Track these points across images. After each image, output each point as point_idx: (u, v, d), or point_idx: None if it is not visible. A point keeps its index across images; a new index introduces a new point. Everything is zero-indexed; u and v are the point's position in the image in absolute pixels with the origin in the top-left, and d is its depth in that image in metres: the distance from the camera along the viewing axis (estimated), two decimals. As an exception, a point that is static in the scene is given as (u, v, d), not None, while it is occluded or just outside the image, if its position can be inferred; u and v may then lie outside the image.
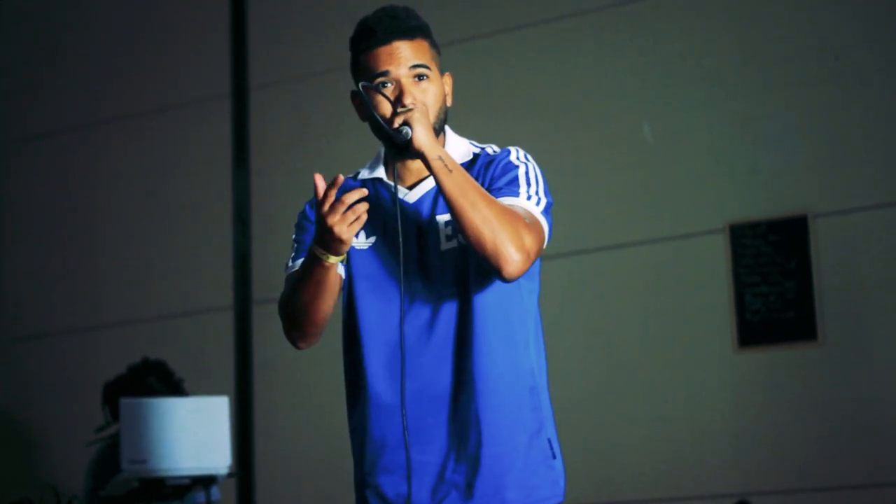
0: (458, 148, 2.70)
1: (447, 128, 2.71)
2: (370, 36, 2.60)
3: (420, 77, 2.59)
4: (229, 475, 5.44)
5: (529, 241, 2.47)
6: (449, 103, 2.68)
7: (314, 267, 2.49)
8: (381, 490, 2.63)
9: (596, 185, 6.34)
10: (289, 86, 7.06)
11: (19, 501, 5.15)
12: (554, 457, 2.71)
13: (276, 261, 6.95)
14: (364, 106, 2.59)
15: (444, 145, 2.67)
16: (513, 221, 2.46)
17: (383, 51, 2.58)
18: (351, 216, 2.39)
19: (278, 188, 6.97)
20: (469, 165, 2.67)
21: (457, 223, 2.47)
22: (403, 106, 2.53)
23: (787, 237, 5.89)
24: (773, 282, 5.88)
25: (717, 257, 6.01)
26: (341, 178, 2.41)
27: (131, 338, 7.29)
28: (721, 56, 6.15)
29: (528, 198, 2.57)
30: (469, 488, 2.59)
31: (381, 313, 2.62)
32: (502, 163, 2.63)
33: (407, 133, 2.48)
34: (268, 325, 6.99)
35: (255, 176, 7.07)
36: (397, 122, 2.52)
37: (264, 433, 7.00)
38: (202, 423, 5.33)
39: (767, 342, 5.87)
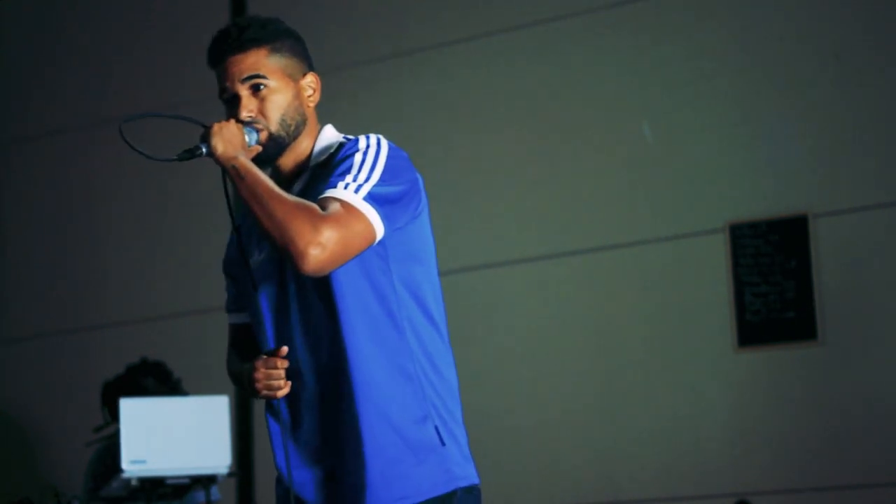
0: (327, 141, 2.75)
1: (329, 126, 2.77)
2: (209, 57, 2.72)
3: (256, 87, 2.67)
4: (229, 475, 5.44)
5: (327, 234, 2.48)
6: (311, 103, 2.74)
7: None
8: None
9: (596, 184, 6.34)
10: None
11: (19, 501, 5.15)
12: (443, 443, 2.67)
13: (276, 261, 6.96)
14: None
15: (313, 148, 2.73)
16: (303, 217, 2.49)
17: (219, 71, 2.70)
18: (268, 391, 2.60)
19: (278, 188, 6.97)
20: (332, 156, 2.70)
21: (254, 223, 2.56)
22: (240, 120, 2.63)
23: (787, 237, 5.89)
24: (773, 282, 5.88)
25: (717, 257, 6.01)
26: (285, 349, 2.59)
27: (131, 338, 7.29)
28: (721, 56, 6.15)
29: (346, 186, 2.56)
30: (361, 488, 2.62)
31: (266, 317, 2.72)
32: (347, 153, 2.65)
33: (200, 150, 2.58)
34: (268, 325, 6.99)
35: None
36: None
37: (264, 433, 6.98)
38: (202, 423, 5.33)
39: (767, 342, 5.87)
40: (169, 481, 5.31)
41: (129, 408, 5.29)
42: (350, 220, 2.53)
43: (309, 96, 2.74)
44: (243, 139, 2.61)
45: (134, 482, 5.29)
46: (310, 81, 2.74)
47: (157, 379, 5.86)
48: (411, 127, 6.70)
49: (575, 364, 6.26)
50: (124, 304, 7.52)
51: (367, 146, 2.64)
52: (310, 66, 2.77)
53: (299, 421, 2.68)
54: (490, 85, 6.63)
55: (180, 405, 5.44)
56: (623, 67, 6.35)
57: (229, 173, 2.57)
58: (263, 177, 2.56)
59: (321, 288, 2.62)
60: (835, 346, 5.77)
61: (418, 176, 2.70)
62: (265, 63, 2.68)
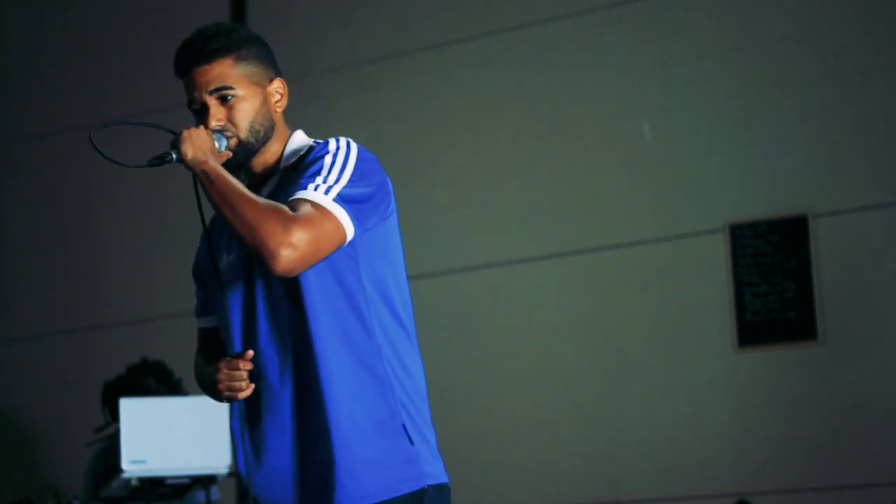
0: (296, 145, 2.79)
1: (299, 131, 2.81)
2: (175, 67, 2.76)
3: (224, 98, 2.71)
4: (229, 475, 5.44)
5: (298, 235, 2.50)
6: (279, 108, 2.79)
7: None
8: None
9: (596, 184, 6.34)
10: (288, 85, 7.05)
11: (19, 501, 5.15)
12: (412, 442, 2.66)
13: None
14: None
15: (283, 152, 2.77)
16: (274, 219, 2.51)
17: (186, 81, 2.74)
18: (230, 392, 2.63)
19: (278, 188, 6.97)
20: (301, 159, 2.73)
21: (225, 226, 2.61)
22: (208, 128, 2.68)
23: (787, 237, 5.89)
24: (773, 282, 5.88)
25: (717, 257, 6.01)
26: (251, 353, 2.62)
27: (131, 338, 7.29)
28: (721, 56, 6.15)
29: (317, 187, 2.59)
30: (329, 486, 2.63)
31: (233, 319, 2.74)
32: (317, 155, 2.68)
33: (170, 156, 2.63)
34: (268, 325, 6.99)
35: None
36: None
37: (264, 433, 6.98)
38: (202, 423, 5.33)
39: (767, 342, 5.87)
40: (169, 481, 5.31)
41: (129, 408, 5.29)
42: (321, 220, 2.55)
43: (276, 102, 2.79)
44: (213, 144, 2.65)
45: (134, 482, 5.29)
46: (277, 87, 2.79)
47: (157, 379, 5.86)
48: (411, 127, 6.71)
49: (575, 364, 6.26)
50: (124, 304, 7.52)
51: (337, 148, 2.67)
52: (276, 72, 2.81)
53: (262, 422, 2.69)
54: (490, 85, 6.63)
55: (180, 405, 5.44)
56: (623, 67, 6.35)
57: (199, 178, 2.61)
58: (233, 180, 2.59)
59: (289, 287, 2.65)
60: (835, 346, 5.77)
61: (388, 178, 2.73)
62: (231, 73, 2.72)
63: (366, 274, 2.69)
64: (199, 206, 2.69)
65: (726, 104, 6.11)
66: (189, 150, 2.62)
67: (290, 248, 2.50)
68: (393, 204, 2.73)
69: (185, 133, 2.63)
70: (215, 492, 5.45)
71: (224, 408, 5.33)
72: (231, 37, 2.74)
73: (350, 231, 2.59)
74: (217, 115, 2.70)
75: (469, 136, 6.67)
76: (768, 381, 5.89)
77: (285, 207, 2.55)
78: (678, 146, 6.20)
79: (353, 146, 2.69)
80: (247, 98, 2.73)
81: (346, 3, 7.12)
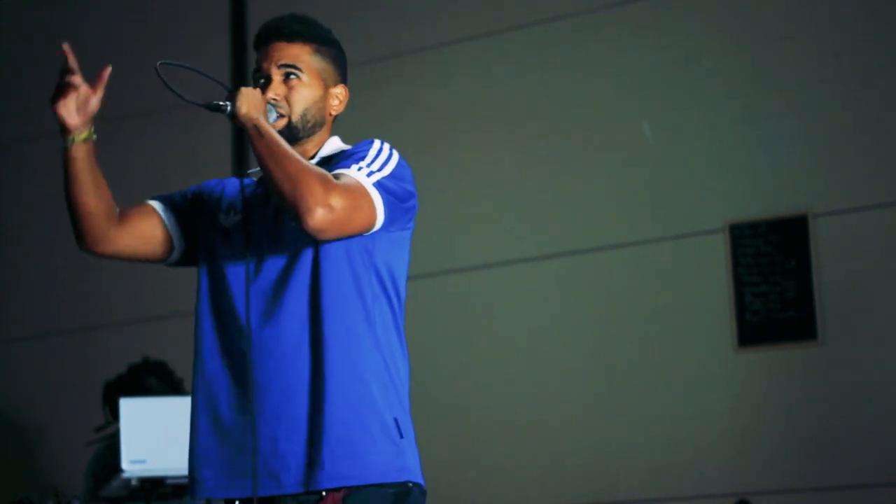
0: (332, 147, 2.85)
1: (336, 137, 2.87)
2: (257, 37, 2.85)
3: (288, 76, 2.79)
4: (229, 475, 5.43)
5: (336, 200, 2.55)
6: (333, 112, 2.85)
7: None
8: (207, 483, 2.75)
9: (596, 184, 6.34)
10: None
11: (19, 501, 5.15)
12: (401, 436, 2.70)
13: (276, 261, 6.95)
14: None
15: (318, 151, 2.83)
16: (316, 178, 2.56)
17: (262, 51, 2.83)
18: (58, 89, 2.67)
19: (278, 188, 6.96)
20: (334, 157, 2.80)
21: (266, 181, 2.63)
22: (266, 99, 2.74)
23: (787, 237, 5.89)
24: (773, 282, 5.88)
25: (717, 257, 6.01)
26: (66, 47, 2.71)
27: (131, 338, 7.28)
28: (721, 56, 6.15)
29: (360, 169, 2.67)
30: (312, 465, 2.64)
31: (230, 277, 2.77)
32: (358, 148, 2.75)
33: (225, 107, 2.67)
34: (268, 325, 6.99)
35: (255, 176, 7.07)
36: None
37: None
38: (202, 423, 5.32)
39: (767, 342, 5.87)
40: (169, 481, 5.31)
41: (129, 408, 5.30)
42: (359, 196, 2.62)
43: (334, 105, 2.86)
44: (265, 107, 2.70)
45: (134, 482, 5.29)
46: (339, 92, 2.87)
47: (159, 378, 5.86)
48: (411, 127, 6.70)
49: (574, 364, 6.25)
50: (124, 304, 7.52)
51: (382, 146, 2.75)
52: (343, 80, 2.88)
53: (240, 404, 2.70)
54: (490, 85, 6.63)
55: (180, 405, 5.41)
56: (623, 67, 6.34)
57: (248, 132, 2.64)
58: (281, 139, 2.64)
59: (304, 263, 2.69)
60: (835, 346, 5.77)
61: (416, 197, 2.81)
62: (304, 59, 2.81)
63: (375, 271, 2.73)
64: (238, 156, 2.75)
65: (726, 104, 6.11)
66: (244, 106, 2.65)
67: (328, 208, 2.54)
68: (413, 220, 2.82)
69: (244, 90, 2.68)
70: (215, 492, 5.44)
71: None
72: (316, 30, 2.86)
73: (380, 219, 2.66)
74: (277, 90, 2.77)
75: (468, 136, 6.67)
76: (768, 381, 5.89)
77: (329, 174, 2.61)
78: (678, 146, 6.20)
79: (395, 151, 2.76)
80: (309, 86, 2.80)
81: (346, 3, 7.11)
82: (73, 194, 2.88)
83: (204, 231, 2.86)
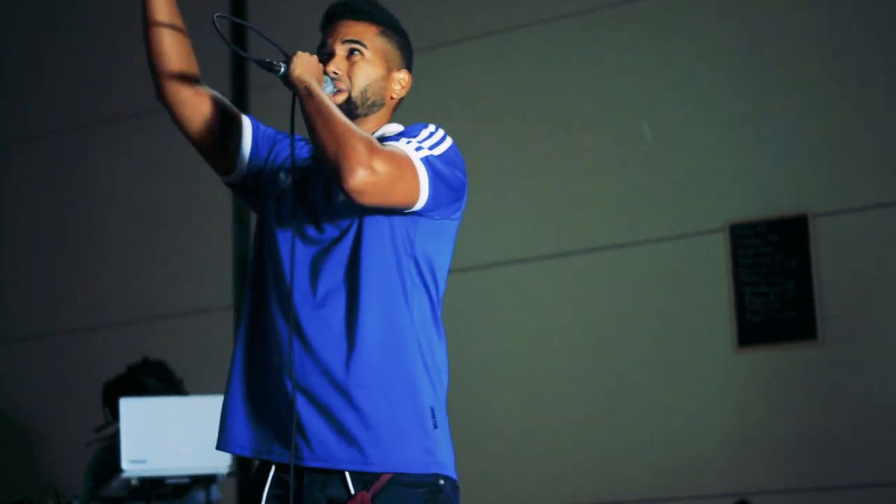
0: (388, 130, 2.81)
1: (395, 123, 2.84)
2: (324, 17, 2.83)
3: (351, 52, 2.77)
4: (229, 475, 5.44)
5: (380, 164, 2.52)
6: (394, 96, 2.82)
7: None
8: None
9: (596, 184, 6.34)
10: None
11: (19, 501, 5.15)
12: (435, 426, 2.64)
13: (276, 261, 6.96)
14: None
15: (376, 130, 2.79)
16: (362, 140, 2.53)
17: (328, 28, 2.81)
18: None
19: (278, 188, 6.97)
20: (389, 137, 2.75)
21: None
22: (325, 73, 2.73)
23: (787, 237, 5.89)
24: (773, 282, 5.88)
25: (717, 257, 6.01)
26: None
27: (131, 338, 7.29)
28: (721, 56, 6.15)
29: (408, 142, 2.65)
30: (335, 440, 2.60)
31: (286, 249, 2.71)
32: (410, 128, 2.73)
33: (279, 66, 2.65)
34: (268, 325, 6.99)
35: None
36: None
37: (264, 433, 6.98)
38: (202, 423, 5.32)
39: (767, 342, 5.87)
40: (169, 481, 5.31)
41: (129, 407, 5.29)
42: (404, 166, 2.59)
43: (396, 89, 2.83)
44: (321, 73, 2.69)
45: (134, 482, 5.29)
46: (402, 77, 2.85)
47: (158, 378, 5.86)
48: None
49: (574, 364, 6.25)
50: (124, 304, 7.52)
51: (436, 129, 2.74)
52: (408, 67, 2.87)
53: (278, 370, 2.66)
54: (490, 85, 6.63)
55: (180, 405, 5.44)
56: (623, 67, 6.35)
57: (299, 93, 2.62)
58: (332, 102, 2.62)
59: (348, 237, 2.65)
60: (835, 346, 5.77)
61: (466, 187, 2.81)
62: (370, 37, 2.79)
63: (415, 259, 2.70)
64: (293, 127, 2.71)
65: (726, 104, 6.11)
66: (298, 68, 2.63)
67: (369, 170, 2.51)
68: (461, 210, 2.80)
69: (300, 54, 2.66)
70: (215, 492, 5.45)
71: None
72: (384, 13, 2.84)
73: (423, 196, 2.64)
74: (339, 64, 2.76)
75: (468, 136, 6.66)
76: (768, 381, 5.89)
77: (376, 140, 2.59)
78: (678, 146, 6.20)
79: (449, 138, 2.76)
80: (371, 63, 2.78)
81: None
82: (148, 23, 2.76)
83: (266, 180, 2.82)
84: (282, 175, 2.79)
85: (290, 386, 2.62)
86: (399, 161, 2.57)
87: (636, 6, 6.35)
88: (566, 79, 6.48)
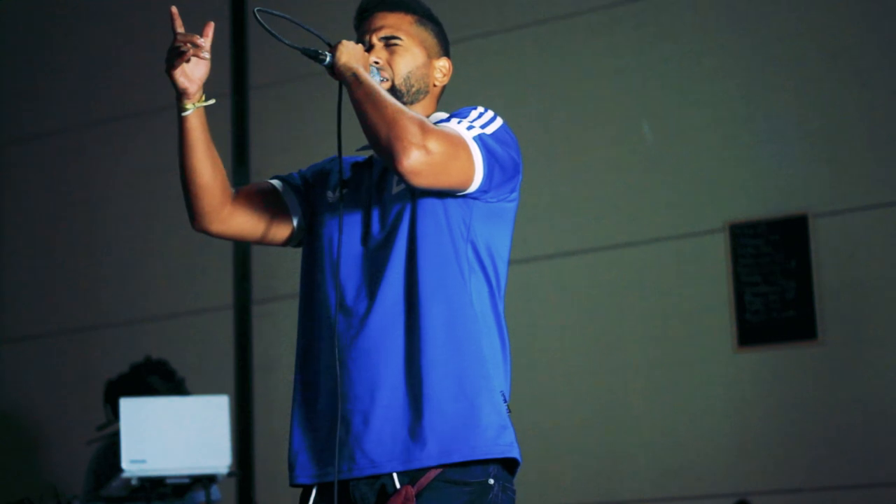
0: (437, 118, 2.78)
1: (442, 112, 2.81)
2: (358, 12, 2.83)
3: (389, 42, 2.75)
4: (229, 475, 5.44)
5: (434, 143, 2.48)
6: (437, 83, 2.81)
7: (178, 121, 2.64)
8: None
9: (596, 184, 6.34)
10: (289, 85, 7.06)
11: (19, 501, 5.15)
12: (508, 410, 2.70)
13: (276, 261, 6.96)
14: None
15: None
16: (414, 121, 2.49)
17: (364, 22, 2.80)
18: (177, 54, 2.59)
19: (278, 188, 6.96)
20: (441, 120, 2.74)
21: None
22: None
23: (787, 237, 5.89)
24: (773, 281, 5.89)
25: (717, 257, 6.01)
26: (174, 10, 2.67)
27: (131, 338, 7.29)
28: (721, 56, 6.15)
29: (459, 122, 2.62)
30: (409, 440, 2.58)
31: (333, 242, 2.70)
32: (458, 110, 2.72)
33: (324, 55, 2.62)
34: (267, 324, 6.99)
35: (255, 175, 7.07)
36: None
37: (264, 433, 7.00)
38: (202, 423, 5.33)
39: (767, 342, 5.87)
40: (169, 481, 5.31)
41: (130, 407, 5.29)
42: (458, 146, 2.56)
43: (437, 77, 2.82)
44: (367, 60, 2.66)
45: (134, 482, 5.29)
46: (443, 64, 2.83)
47: (161, 377, 5.86)
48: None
49: (575, 364, 6.25)
50: (124, 305, 7.52)
51: (486, 110, 2.71)
52: (447, 54, 2.84)
53: (334, 384, 2.63)
54: (489, 85, 6.63)
55: (180, 405, 5.44)
56: (623, 67, 6.35)
57: (347, 81, 2.59)
58: (381, 87, 2.59)
59: (402, 229, 2.62)
60: (835, 346, 5.77)
61: (521, 167, 2.73)
62: (405, 28, 2.77)
63: (472, 245, 2.69)
64: (339, 125, 2.68)
65: (726, 104, 6.11)
66: (343, 56, 2.61)
67: (423, 150, 2.47)
68: (517, 192, 2.75)
69: (345, 42, 2.64)
70: (215, 492, 5.45)
71: (224, 408, 5.34)
72: (418, 3, 2.81)
73: (479, 176, 2.60)
74: (379, 54, 2.74)
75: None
76: (768, 381, 5.89)
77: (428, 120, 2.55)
78: (678, 146, 6.20)
79: (500, 118, 2.72)
80: (411, 51, 2.77)
81: (346, 2, 7.11)
82: (190, 165, 2.65)
83: (315, 209, 2.78)
84: (329, 194, 2.76)
85: (351, 394, 2.60)
86: (453, 140, 2.54)
87: (636, 6, 6.35)
88: (565, 79, 6.48)
